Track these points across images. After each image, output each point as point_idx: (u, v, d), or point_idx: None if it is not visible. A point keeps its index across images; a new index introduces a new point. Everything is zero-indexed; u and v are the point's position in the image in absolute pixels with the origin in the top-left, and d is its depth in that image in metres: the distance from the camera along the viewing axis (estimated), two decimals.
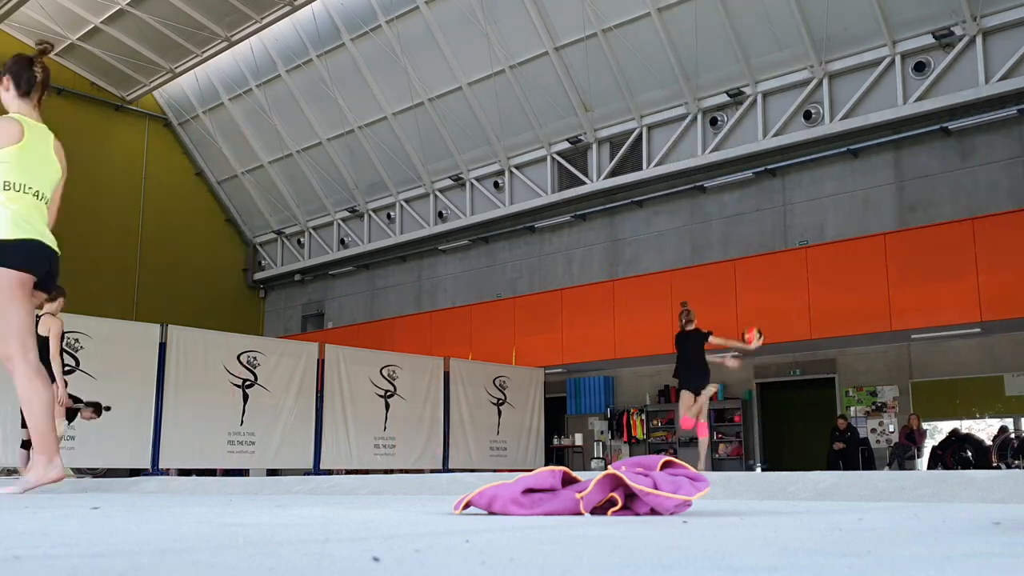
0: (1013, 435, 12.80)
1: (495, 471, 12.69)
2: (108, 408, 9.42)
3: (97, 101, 21.32)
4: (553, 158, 17.74)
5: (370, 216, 21.02)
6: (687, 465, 2.50)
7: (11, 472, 10.54)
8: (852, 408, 14.20)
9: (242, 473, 12.31)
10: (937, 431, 13.47)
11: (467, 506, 2.35)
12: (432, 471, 12.75)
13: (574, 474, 2.46)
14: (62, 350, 8.11)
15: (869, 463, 13.44)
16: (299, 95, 19.76)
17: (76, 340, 10.12)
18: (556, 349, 16.07)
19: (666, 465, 2.42)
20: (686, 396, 9.89)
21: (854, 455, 13.42)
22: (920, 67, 13.66)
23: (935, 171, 13.82)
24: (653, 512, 2.25)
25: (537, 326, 16.49)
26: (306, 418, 12.31)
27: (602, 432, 16.75)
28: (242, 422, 11.57)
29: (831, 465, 13.29)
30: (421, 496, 4.01)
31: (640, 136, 16.56)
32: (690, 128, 15.98)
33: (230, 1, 17.86)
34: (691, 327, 9.96)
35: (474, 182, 18.96)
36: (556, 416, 17.00)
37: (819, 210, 14.80)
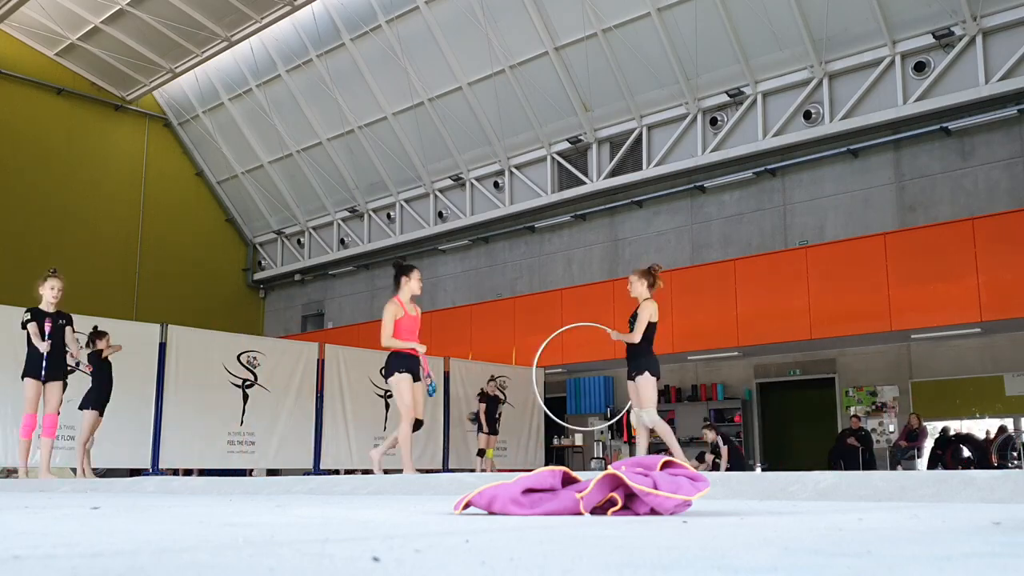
0: (1012, 433, 12.80)
1: (495, 471, 12.69)
2: None
3: (97, 101, 21.32)
4: (553, 158, 17.73)
5: (370, 216, 21.01)
6: (687, 465, 2.50)
7: (11, 472, 10.53)
8: (852, 408, 14.19)
9: (243, 473, 12.30)
10: (937, 431, 13.48)
11: (467, 506, 2.35)
12: (432, 471, 12.75)
13: (574, 474, 2.46)
14: None
15: (870, 463, 13.44)
16: (299, 95, 19.76)
17: (76, 340, 10.10)
18: (556, 349, 16.06)
19: (666, 465, 2.42)
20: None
21: (855, 455, 13.43)
22: (920, 67, 13.65)
23: (935, 171, 13.82)
24: (653, 512, 2.25)
25: (537, 326, 16.48)
26: (306, 418, 12.31)
27: (602, 432, 16.76)
28: (242, 422, 11.57)
29: (832, 465, 13.29)
30: (421, 496, 4.01)
31: (640, 136, 16.56)
32: (690, 128, 15.97)
33: (230, 1, 17.85)
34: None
35: (474, 182, 18.96)
36: (556, 416, 16.99)
37: (819, 210, 14.80)
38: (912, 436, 13.28)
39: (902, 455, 13.25)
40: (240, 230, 23.77)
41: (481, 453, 13.67)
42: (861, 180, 14.45)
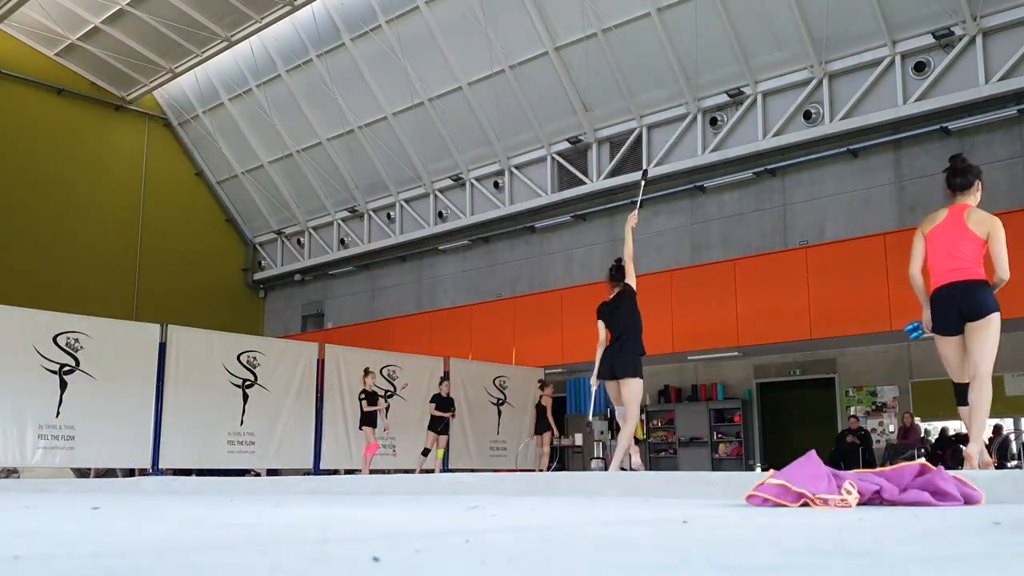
0: (1011, 434, 12.80)
1: (495, 471, 12.69)
2: None
3: (97, 101, 21.32)
4: (553, 158, 17.73)
5: (370, 216, 21.01)
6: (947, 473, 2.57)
7: (10, 473, 10.53)
8: (852, 408, 14.19)
9: (244, 473, 12.29)
10: (937, 431, 13.47)
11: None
12: (432, 471, 12.74)
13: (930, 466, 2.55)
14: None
15: (870, 463, 13.44)
16: (299, 95, 19.75)
17: (76, 340, 10.12)
18: (556, 349, 16.06)
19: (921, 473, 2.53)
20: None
21: (855, 455, 13.43)
22: (920, 67, 13.65)
23: (935, 171, 13.79)
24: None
25: (537, 326, 16.48)
26: (306, 418, 12.31)
27: (602, 432, 16.74)
28: (242, 422, 11.57)
29: (832, 465, 13.28)
30: (421, 496, 4.01)
31: (640, 136, 16.55)
32: (690, 128, 15.97)
33: (230, 1, 17.85)
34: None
35: (474, 182, 18.95)
36: (556, 416, 16.97)
37: (819, 210, 14.80)
38: (905, 434, 13.29)
39: (898, 454, 13.24)
40: (240, 230, 23.76)
41: (426, 452, 12.83)
42: (861, 180, 14.45)
